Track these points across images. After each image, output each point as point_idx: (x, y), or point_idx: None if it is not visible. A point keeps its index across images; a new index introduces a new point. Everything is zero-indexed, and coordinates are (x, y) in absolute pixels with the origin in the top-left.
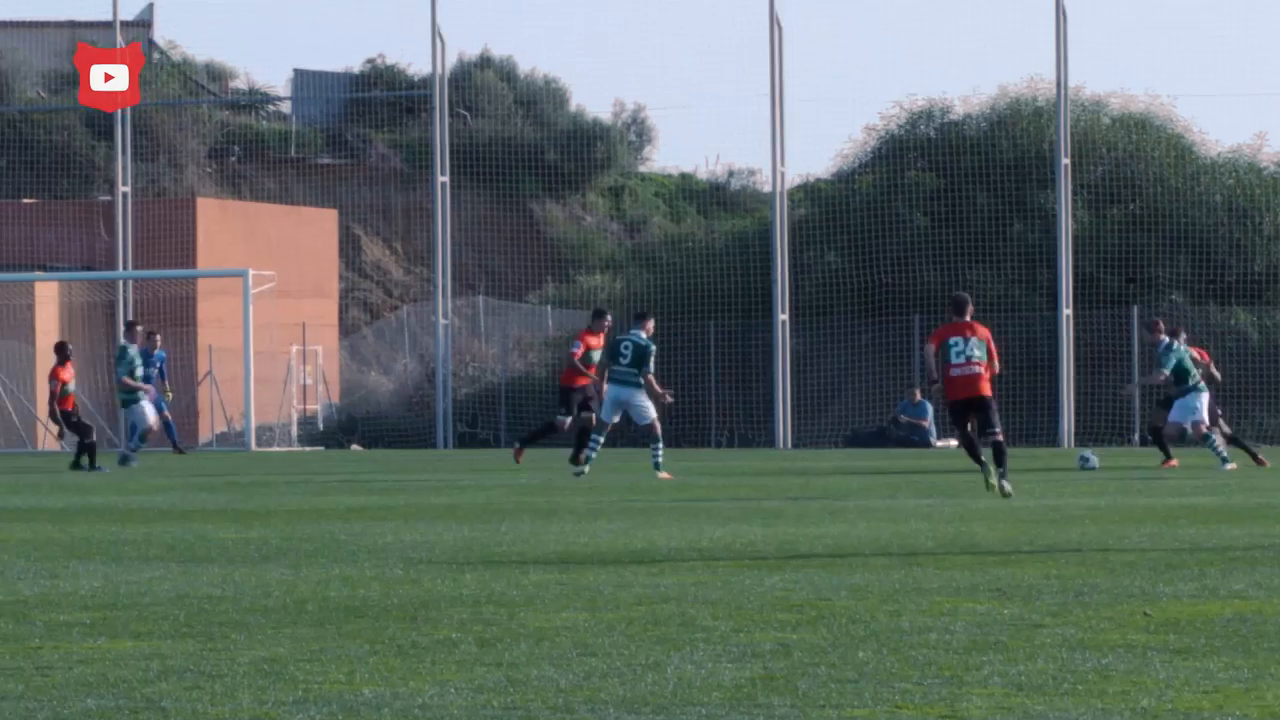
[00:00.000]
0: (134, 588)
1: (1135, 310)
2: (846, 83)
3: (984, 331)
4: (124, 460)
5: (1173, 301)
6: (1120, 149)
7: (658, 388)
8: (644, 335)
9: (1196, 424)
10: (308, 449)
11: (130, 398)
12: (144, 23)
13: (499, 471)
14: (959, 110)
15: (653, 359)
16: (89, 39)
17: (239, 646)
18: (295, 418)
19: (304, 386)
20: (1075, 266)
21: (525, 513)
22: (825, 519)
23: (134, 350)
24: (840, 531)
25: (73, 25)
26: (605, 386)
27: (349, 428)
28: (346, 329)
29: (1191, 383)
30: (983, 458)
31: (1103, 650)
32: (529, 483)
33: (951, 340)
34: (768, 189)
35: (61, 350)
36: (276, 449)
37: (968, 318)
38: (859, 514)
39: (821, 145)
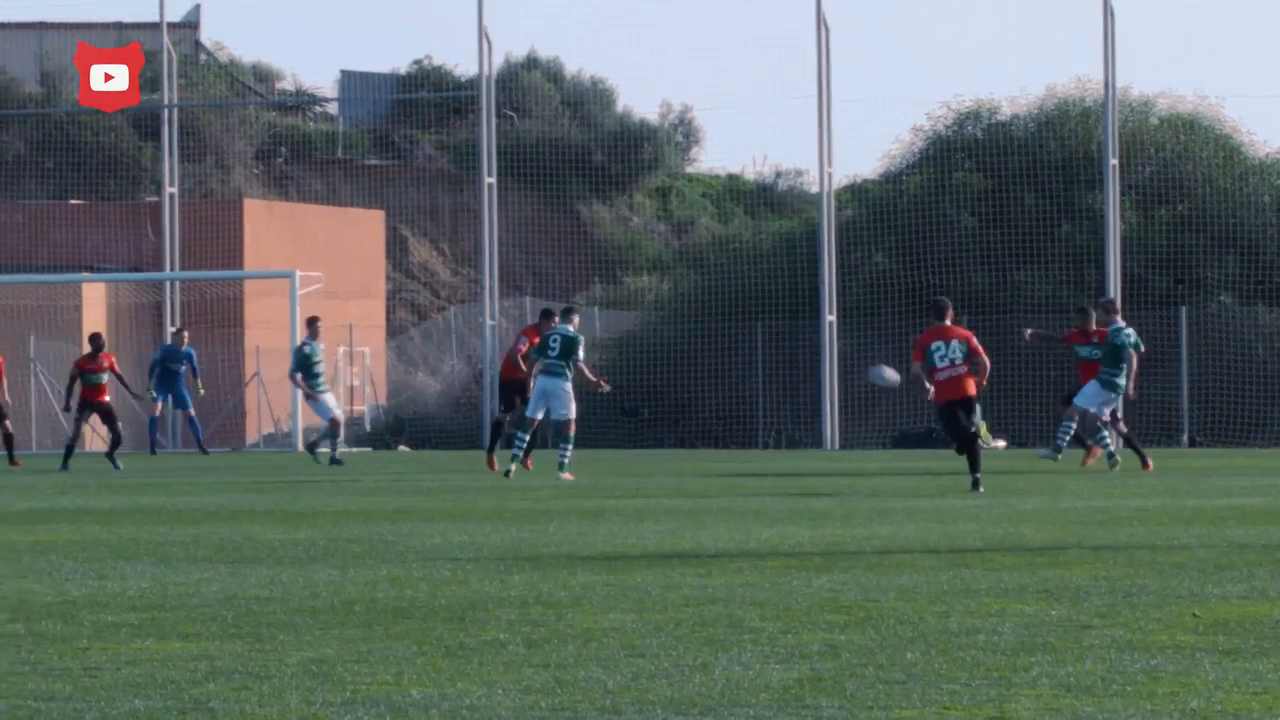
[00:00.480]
0: (182, 588)
1: (1184, 311)
2: (893, 83)
3: (964, 333)
4: (312, 449)
5: (1221, 302)
6: (1168, 149)
7: (591, 376)
8: (571, 329)
9: (1093, 415)
10: (354, 450)
11: (314, 390)
12: (191, 24)
13: (546, 473)
14: (1006, 111)
15: (582, 349)
16: (136, 40)
17: (287, 647)
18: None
19: (351, 388)
20: (1123, 267)
21: (573, 514)
22: (873, 520)
23: (309, 348)
24: (888, 532)
25: (119, 26)
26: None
27: (396, 429)
28: (394, 330)
29: (1118, 373)
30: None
31: (1151, 651)
32: (576, 484)
33: (934, 345)
34: (815, 190)
35: (93, 341)
36: (324, 450)
37: (947, 321)
38: (906, 515)
39: (868, 146)
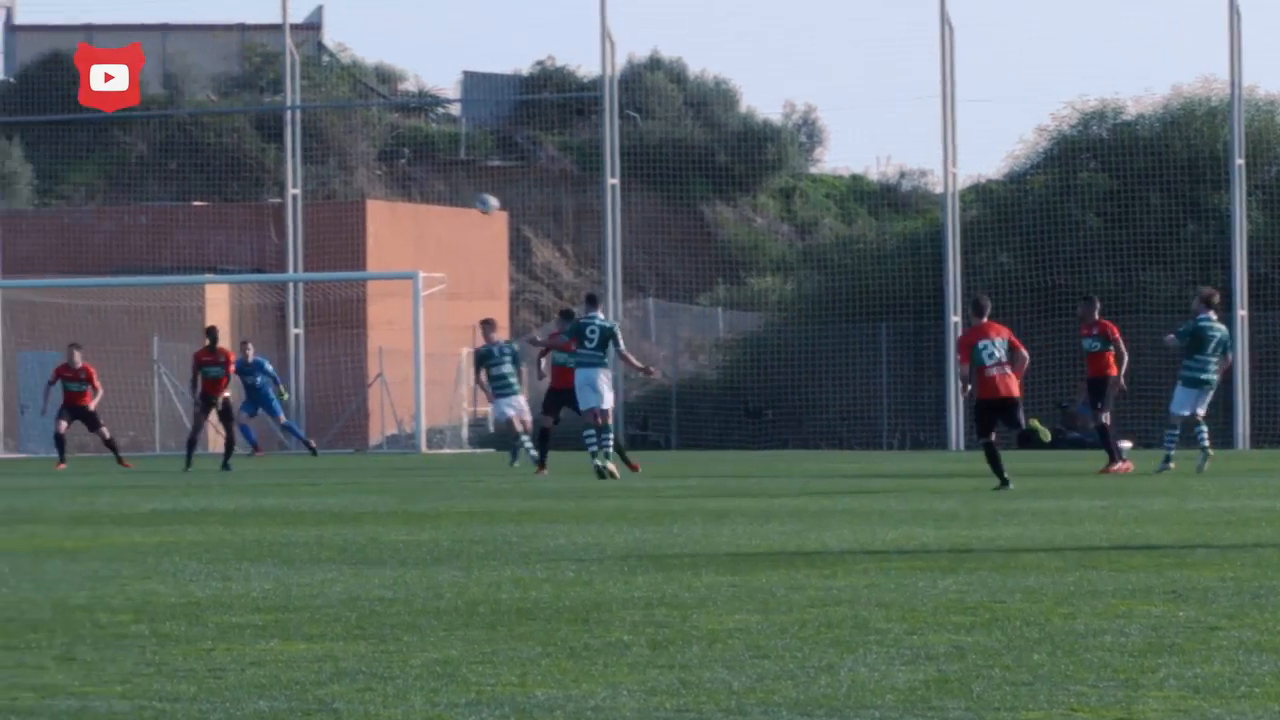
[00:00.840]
0: (306, 589)
1: None
2: (1017, 83)
3: (1005, 331)
4: (516, 454)
5: None
6: None
7: (638, 363)
8: (601, 317)
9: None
10: (478, 451)
11: (502, 391)
12: (313, 25)
13: (671, 474)
14: (1131, 110)
15: (621, 338)
16: (258, 42)
17: (411, 648)
18: (466, 420)
19: (474, 389)
20: (1249, 268)
21: (697, 515)
22: (998, 521)
23: (500, 348)
24: (1014, 533)
25: (242, 28)
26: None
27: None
28: (517, 331)
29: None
30: (1005, 474)
31: None
32: (699, 484)
33: (981, 344)
34: (939, 190)
35: (209, 334)
36: (447, 451)
37: (986, 319)
38: (1032, 516)
39: (992, 146)
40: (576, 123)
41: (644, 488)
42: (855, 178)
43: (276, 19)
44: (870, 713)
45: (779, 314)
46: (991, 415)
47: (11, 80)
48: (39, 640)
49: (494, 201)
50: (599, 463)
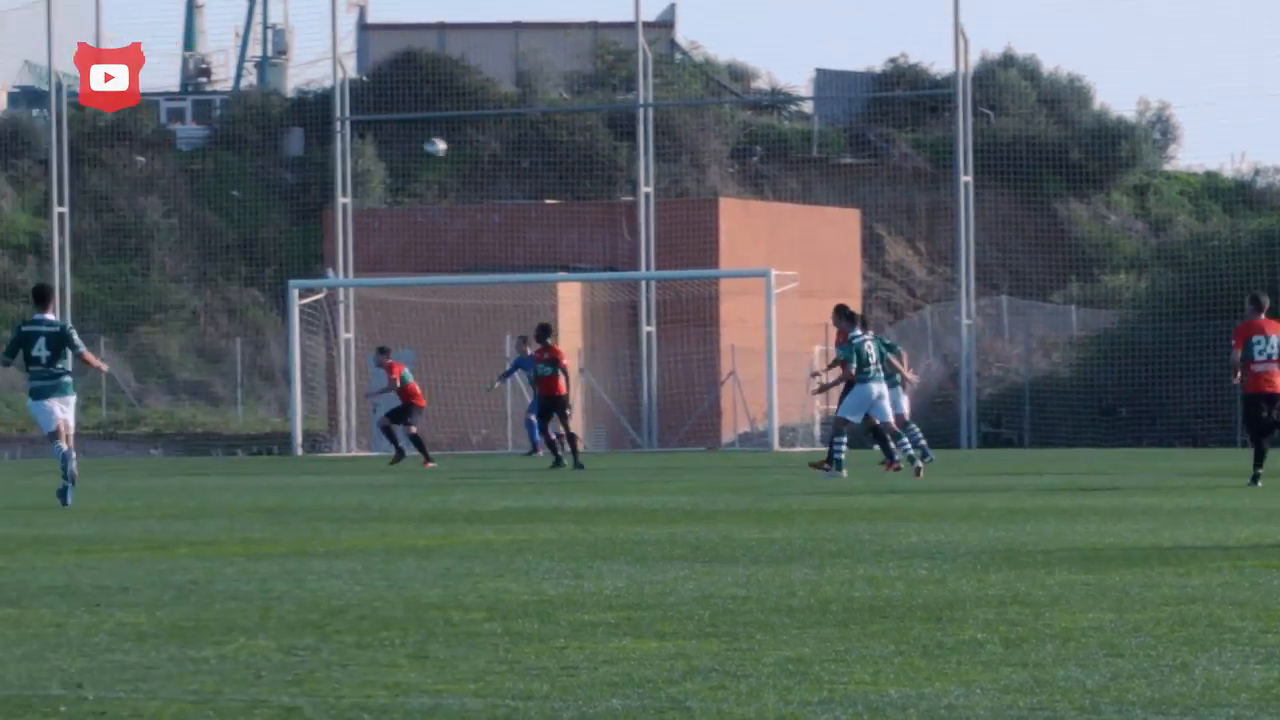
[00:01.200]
0: (658, 587)
1: None
2: None
3: (1278, 327)
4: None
5: None
6: None
7: (908, 372)
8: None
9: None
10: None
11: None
12: (666, 23)
13: (1024, 472)
14: None
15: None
16: (611, 39)
17: (763, 646)
18: (818, 418)
19: (827, 386)
20: None
21: (1050, 513)
22: None
23: (858, 340)
24: None
25: (595, 26)
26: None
27: (873, 426)
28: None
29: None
30: (1259, 471)
31: None
32: (1052, 482)
33: (1255, 339)
34: None
35: (541, 332)
36: (799, 449)
37: (1264, 315)
38: None
39: None
40: (929, 120)
41: (998, 485)
42: (1209, 175)
43: (629, 17)
44: (1225, 711)
45: (1133, 311)
46: (1259, 405)
47: (364, 79)
48: (392, 638)
49: (440, 145)
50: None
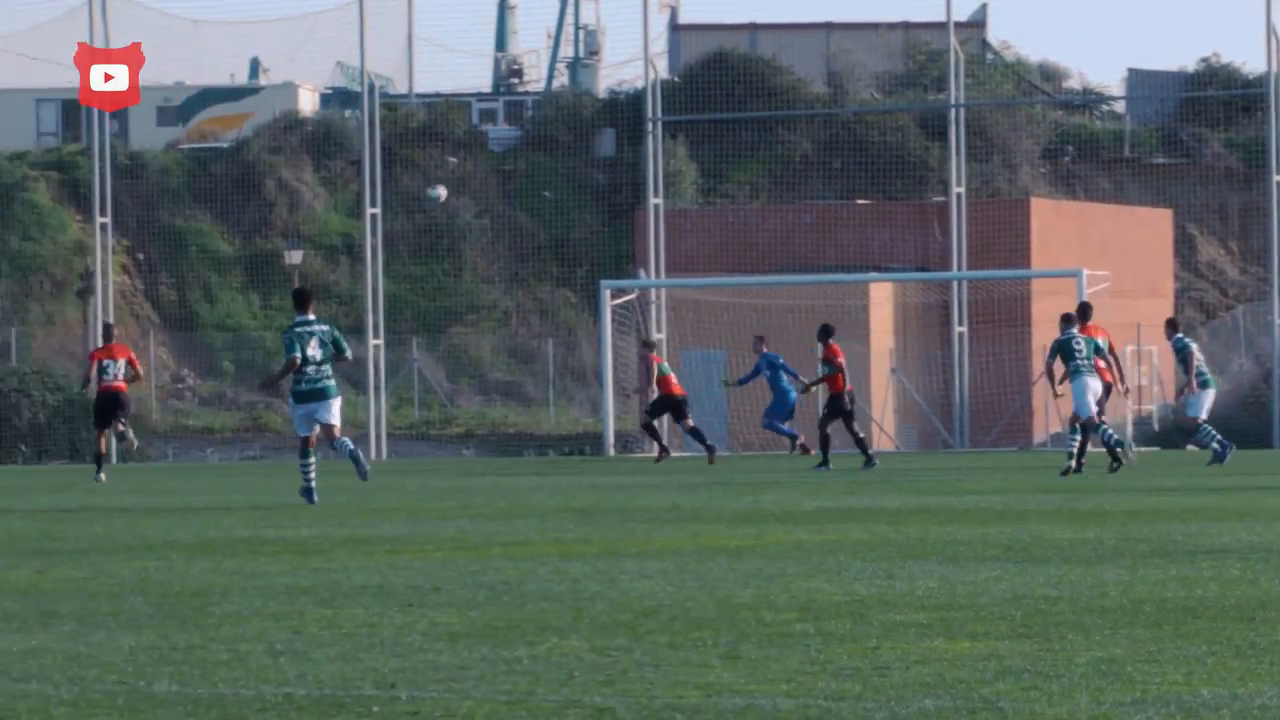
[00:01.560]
0: (970, 588)
1: None
2: None
3: None
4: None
5: None
6: None
7: (1109, 377)
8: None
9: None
10: (1143, 449)
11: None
12: (977, 23)
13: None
14: None
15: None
16: (922, 40)
17: (1075, 647)
18: (1130, 418)
19: (1139, 387)
20: None
21: None
22: None
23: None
24: None
25: (906, 26)
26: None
27: (1185, 429)
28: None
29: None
30: None
31: None
32: None
33: None
34: None
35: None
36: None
37: None
38: None
39: None
40: (1241, 119)
41: None
42: None
43: (941, 17)
44: None
45: None
46: None
47: (676, 79)
48: (704, 638)
49: (441, 191)
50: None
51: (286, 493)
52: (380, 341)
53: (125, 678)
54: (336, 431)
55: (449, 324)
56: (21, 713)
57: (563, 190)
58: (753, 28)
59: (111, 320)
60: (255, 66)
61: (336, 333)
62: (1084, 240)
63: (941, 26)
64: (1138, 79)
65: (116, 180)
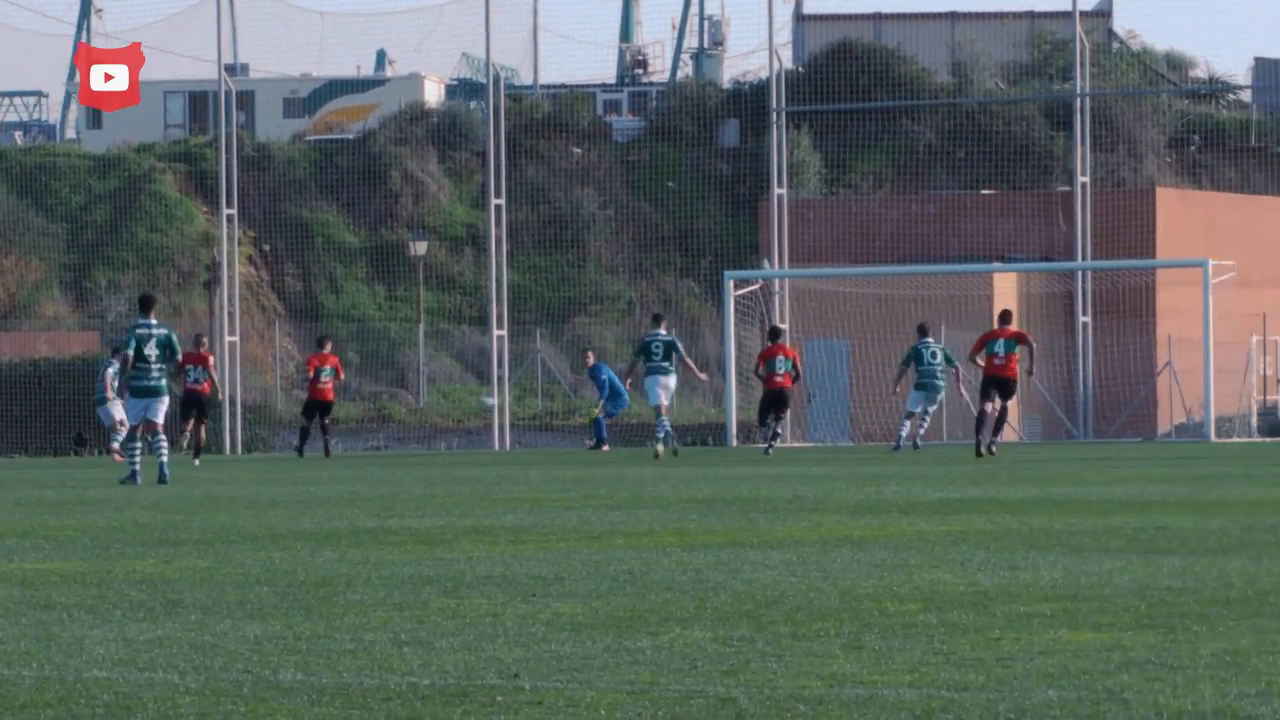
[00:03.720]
0: (1094, 579)
1: None
2: None
3: None
4: None
5: None
6: None
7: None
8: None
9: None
10: (1268, 440)
11: None
12: (1103, 12)
13: None
14: None
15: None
16: (1048, 29)
17: (1200, 638)
18: (1255, 409)
19: (1264, 377)
20: None
21: None
22: None
23: None
24: None
25: (1032, 15)
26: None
27: None
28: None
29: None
30: None
31: None
32: None
33: None
34: None
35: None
36: (1236, 440)
37: None
38: None
39: None
40: None
41: None
42: None
43: (1066, 6)
44: None
45: None
46: None
47: (800, 69)
48: (827, 629)
49: (490, 401)
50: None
51: (411, 483)
52: (504, 332)
53: (250, 666)
54: (159, 428)
55: (573, 315)
56: (148, 701)
57: (686, 181)
58: (877, 18)
59: (236, 310)
60: (381, 58)
61: (173, 337)
62: (1210, 230)
63: (1067, 15)
64: (1264, 68)
65: (243, 172)
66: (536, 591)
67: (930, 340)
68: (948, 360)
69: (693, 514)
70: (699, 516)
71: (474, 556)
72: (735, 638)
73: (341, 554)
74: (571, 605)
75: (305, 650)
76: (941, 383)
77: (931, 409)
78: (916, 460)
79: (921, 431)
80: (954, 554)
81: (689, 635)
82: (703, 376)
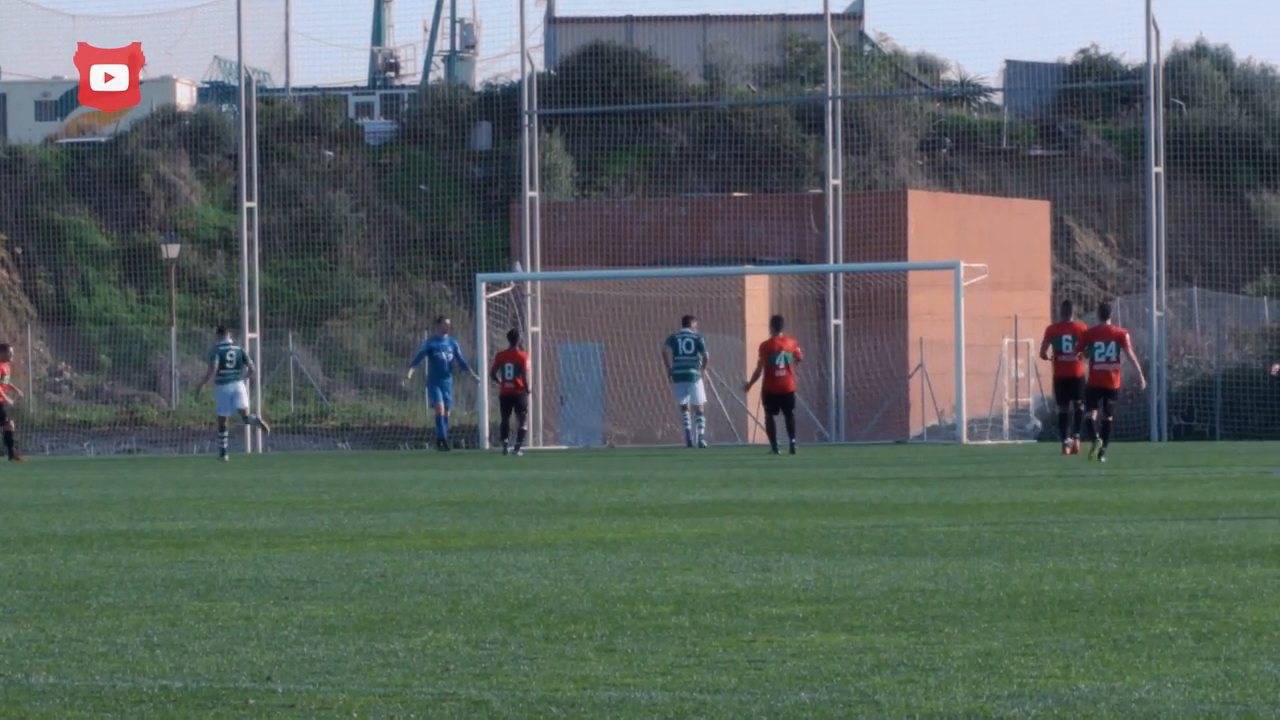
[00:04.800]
0: (846, 581)
1: None
2: None
3: None
4: None
5: None
6: None
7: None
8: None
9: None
10: (1019, 442)
11: None
12: (854, 15)
13: (1215, 465)
14: None
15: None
16: (799, 32)
17: (952, 640)
18: (1007, 411)
19: (1015, 379)
20: None
21: (1241, 506)
22: None
23: None
24: None
25: (783, 19)
26: None
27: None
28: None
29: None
30: None
31: None
32: (1244, 475)
33: None
34: None
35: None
36: (988, 442)
37: None
38: None
39: None
40: (1120, 111)
41: (1189, 478)
42: None
43: (818, 9)
44: None
45: None
46: None
47: (552, 72)
48: (580, 631)
49: (265, 423)
50: None
51: (163, 485)
52: (256, 335)
53: (2, 670)
54: None
55: (325, 317)
56: None
57: (439, 184)
58: (629, 20)
59: None
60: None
61: None
62: (961, 232)
63: (819, 19)
64: (1015, 70)
65: None
66: (289, 594)
67: (688, 330)
68: (699, 348)
69: (445, 517)
70: (452, 519)
71: (226, 559)
72: (488, 640)
73: (94, 557)
74: (324, 608)
75: (58, 653)
76: (696, 374)
77: (700, 401)
78: (669, 465)
79: (701, 431)
80: (706, 556)
81: (442, 638)
82: (478, 377)
